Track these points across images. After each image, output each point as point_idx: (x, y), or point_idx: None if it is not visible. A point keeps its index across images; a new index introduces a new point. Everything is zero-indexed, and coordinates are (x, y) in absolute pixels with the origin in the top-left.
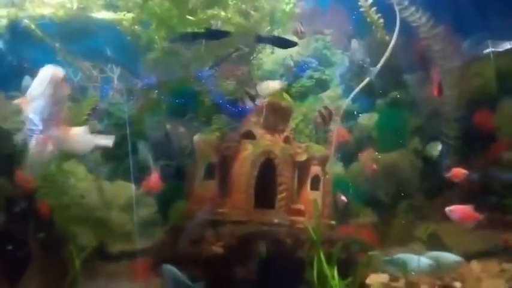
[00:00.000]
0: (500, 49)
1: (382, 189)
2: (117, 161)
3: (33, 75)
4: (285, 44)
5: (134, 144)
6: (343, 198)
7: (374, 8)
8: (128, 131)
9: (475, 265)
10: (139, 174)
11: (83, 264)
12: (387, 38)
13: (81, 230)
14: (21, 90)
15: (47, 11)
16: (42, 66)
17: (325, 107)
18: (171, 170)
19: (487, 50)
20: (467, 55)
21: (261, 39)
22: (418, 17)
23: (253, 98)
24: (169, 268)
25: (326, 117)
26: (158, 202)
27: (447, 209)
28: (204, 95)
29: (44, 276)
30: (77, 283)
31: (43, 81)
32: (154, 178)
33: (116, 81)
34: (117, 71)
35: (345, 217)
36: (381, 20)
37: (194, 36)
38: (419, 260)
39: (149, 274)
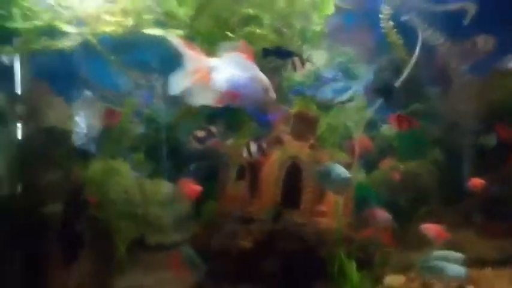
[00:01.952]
0: None
1: (402, 196)
2: (157, 161)
3: (90, 86)
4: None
5: (172, 147)
6: (387, 214)
7: (395, 30)
8: (164, 135)
9: (489, 271)
10: (177, 174)
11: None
12: (406, 57)
13: (124, 222)
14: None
15: (108, 29)
16: (101, 76)
17: (257, 139)
18: (205, 172)
19: (510, 64)
20: (488, 69)
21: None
22: (437, 38)
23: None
24: (187, 249)
25: (251, 151)
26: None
27: (422, 226)
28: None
29: (95, 261)
30: (123, 267)
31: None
32: (189, 185)
33: (159, 90)
34: (160, 80)
35: (366, 221)
36: (401, 41)
37: (267, 53)
38: (455, 268)
39: (183, 264)
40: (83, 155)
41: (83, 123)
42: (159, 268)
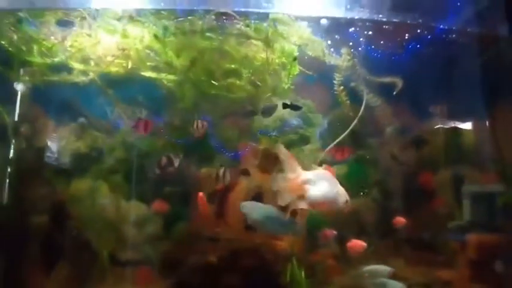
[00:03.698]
0: (447, 126)
1: (346, 227)
2: (134, 184)
3: (83, 114)
4: None
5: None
6: (333, 232)
7: (344, 92)
8: (143, 162)
9: None
10: (152, 197)
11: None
12: (351, 114)
13: (100, 237)
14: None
15: (113, 69)
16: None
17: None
18: (178, 196)
19: (437, 126)
20: (419, 129)
21: None
22: (375, 101)
23: None
24: None
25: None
26: (164, 221)
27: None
28: (209, 139)
29: (73, 268)
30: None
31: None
32: (159, 202)
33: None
34: (144, 113)
35: (315, 247)
36: (348, 102)
37: (285, 105)
38: (395, 283)
39: (151, 281)
40: (65, 174)
41: (54, 146)
42: (128, 282)
